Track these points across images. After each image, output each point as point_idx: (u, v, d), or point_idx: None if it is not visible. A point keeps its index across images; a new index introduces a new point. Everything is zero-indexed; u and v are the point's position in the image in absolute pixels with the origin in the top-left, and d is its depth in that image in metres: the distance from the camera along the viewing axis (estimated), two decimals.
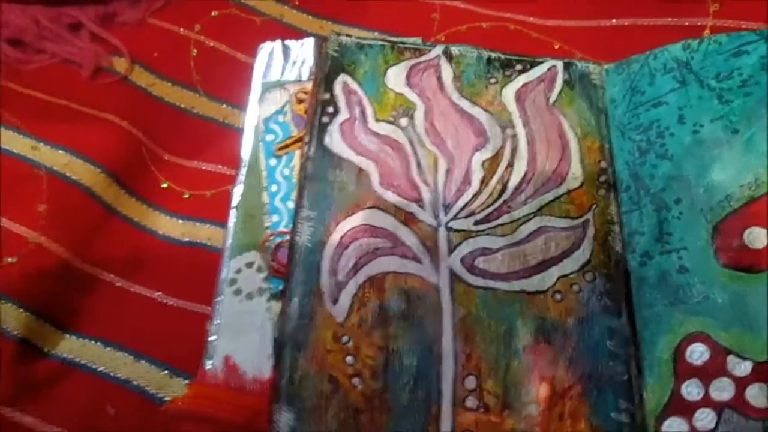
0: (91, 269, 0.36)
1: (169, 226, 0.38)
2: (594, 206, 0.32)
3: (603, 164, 0.34)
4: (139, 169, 0.40)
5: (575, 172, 0.33)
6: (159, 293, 0.36)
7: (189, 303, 0.35)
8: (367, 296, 0.30)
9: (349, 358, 0.29)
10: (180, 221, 0.38)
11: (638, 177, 0.33)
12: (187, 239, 0.38)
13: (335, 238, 0.31)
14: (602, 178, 0.33)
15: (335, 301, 0.30)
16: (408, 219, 0.32)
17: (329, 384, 0.29)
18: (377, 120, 0.34)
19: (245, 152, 0.35)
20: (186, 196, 0.39)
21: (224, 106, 0.43)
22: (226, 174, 0.40)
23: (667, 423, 0.28)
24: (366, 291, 0.30)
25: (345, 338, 0.29)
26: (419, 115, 0.34)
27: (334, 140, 0.33)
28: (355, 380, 0.29)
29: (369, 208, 0.32)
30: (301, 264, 0.30)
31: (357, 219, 0.31)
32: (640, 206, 0.32)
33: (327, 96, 0.34)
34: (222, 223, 0.36)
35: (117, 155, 0.39)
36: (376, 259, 0.31)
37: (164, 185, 0.40)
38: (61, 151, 0.38)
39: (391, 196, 0.32)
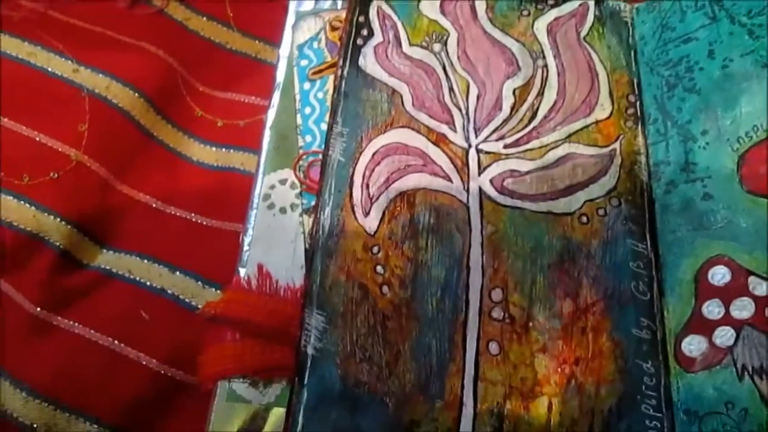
0: (128, 190, 0.37)
1: (203, 153, 0.39)
2: (621, 137, 0.33)
3: (631, 98, 0.34)
4: (175, 97, 0.41)
5: (604, 103, 0.34)
6: (193, 214, 0.37)
7: (223, 222, 0.36)
8: (398, 210, 0.31)
9: (378, 268, 0.30)
10: (213, 149, 0.40)
11: (665, 110, 0.33)
12: (220, 164, 0.39)
13: (368, 153, 0.32)
14: (630, 111, 0.34)
15: (366, 213, 0.31)
16: (439, 139, 0.32)
17: (359, 291, 0.29)
18: (411, 44, 0.34)
19: (279, 76, 0.36)
20: (219, 124, 0.40)
21: (257, 42, 0.44)
22: (259, 105, 0.41)
23: (687, 340, 0.29)
24: (397, 205, 0.31)
25: (375, 249, 0.30)
26: (452, 41, 0.34)
27: (368, 62, 0.34)
28: (384, 288, 0.30)
29: (401, 127, 0.32)
30: (333, 177, 0.31)
31: (389, 137, 0.32)
32: (666, 138, 0.33)
33: (362, 19, 0.35)
34: (255, 150, 0.36)
35: (154, 83, 0.40)
36: (407, 175, 0.32)
37: (198, 114, 0.41)
38: (101, 75, 0.39)
39: (423, 117, 0.33)
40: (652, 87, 0.34)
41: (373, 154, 0.32)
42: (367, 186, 0.31)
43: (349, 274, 0.30)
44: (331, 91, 0.34)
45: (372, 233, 0.30)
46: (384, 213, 0.31)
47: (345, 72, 0.33)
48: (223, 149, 0.39)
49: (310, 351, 0.29)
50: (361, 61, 0.34)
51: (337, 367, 0.28)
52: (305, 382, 0.28)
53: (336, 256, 0.30)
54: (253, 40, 0.44)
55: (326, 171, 0.31)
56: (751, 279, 0.29)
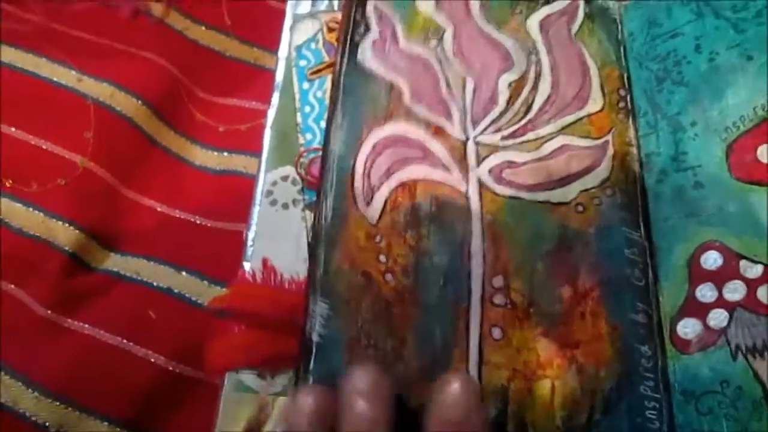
0: (134, 195, 0.38)
1: (205, 157, 0.40)
2: (613, 129, 0.34)
3: (621, 92, 0.35)
4: (177, 104, 0.42)
5: (595, 97, 0.35)
6: (198, 217, 0.37)
7: (227, 223, 0.37)
8: (399, 200, 0.32)
9: (381, 256, 0.31)
10: (215, 153, 0.40)
11: (655, 103, 0.34)
12: (222, 168, 0.40)
13: (368, 145, 0.33)
14: (621, 104, 0.35)
15: (368, 203, 0.32)
16: (438, 132, 0.33)
17: (362, 279, 0.30)
18: (408, 40, 0.35)
19: (279, 76, 0.37)
20: (221, 129, 0.41)
21: (255, 48, 0.45)
22: (259, 109, 0.42)
23: (682, 323, 0.30)
24: (398, 194, 0.32)
25: (377, 238, 0.31)
26: (448, 37, 0.36)
27: (366, 57, 0.35)
28: (388, 276, 0.30)
29: (400, 120, 0.33)
30: (334, 168, 0.32)
31: (389, 129, 0.33)
32: (657, 130, 0.34)
33: (359, 15, 0.36)
34: (256, 153, 0.37)
35: (156, 90, 0.41)
36: (407, 166, 0.32)
37: (200, 120, 0.42)
38: (104, 84, 0.40)
39: (421, 111, 0.34)
40: (641, 81, 0.35)
41: (374, 146, 0.33)
42: (369, 176, 0.32)
43: (353, 262, 0.31)
44: (329, 90, 0.35)
45: (374, 222, 0.31)
46: (385, 203, 0.32)
47: (343, 67, 0.34)
48: (225, 153, 0.40)
49: (315, 338, 0.29)
50: (359, 57, 0.35)
51: (342, 353, 0.29)
52: (310, 368, 0.29)
53: (339, 245, 0.31)
54: (252, 47, 0.45)
55: (327, 163, 0.32)
56: (743, 262, 0.30)
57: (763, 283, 0.29)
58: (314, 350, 0.29)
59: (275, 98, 0.36)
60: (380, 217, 0.31)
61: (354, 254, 0.31)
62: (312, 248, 0.31)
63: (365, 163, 0.32)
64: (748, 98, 0.33)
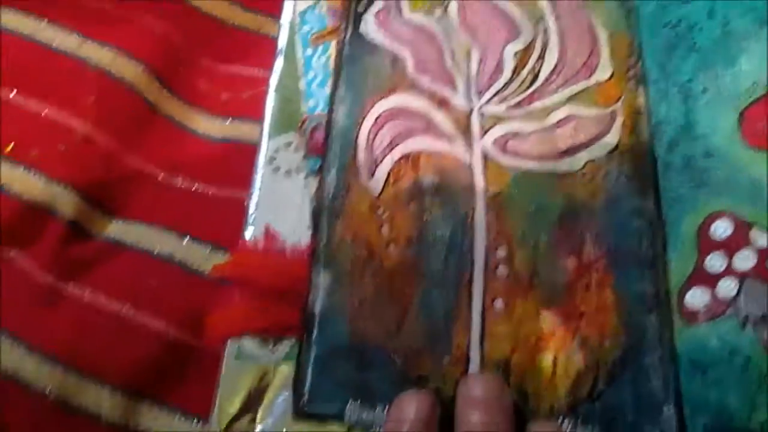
0: (136, 162, 0.37)
1: (208, 125, 0.40)
2: (622, 98, 0.33)
3: (632, 60, 0.34)
4: (179, 71, 0.41)
5: (604, 65, 0.34)
6: (200, 184, 0.37)
7: (230, 191, 0.36)
8: (402, 172, 0.31)
9: (384, 228, 0.30)
10: (218, 121, 0.40)
11: (666, 70, 0.34)
12: (225, 136, 0.39)
13: (371, 117, 0.32)
14: (631, 72, 0.34)
15: (371, 176, 0.31)
16: (442, 103, 0.33)
17: (365, 250, 0.30)
18: (411, 11, 0.35)
19: (281, 42, 0.36)
20: (224, 97, 0.41)
21: (259, 16, 0.44)
22: (262, 77, 0.40)
23: (690, 293, 0.29)
24: (401, 167, 0.31)
25: (380, 210, 0.31)
26: (452, 7, 0.35)
27: (370, 28, 0.34)
28: (390, 248, 0.30)
29: (403, 91, 0.33)
30: (337, 140, 0.32)
31: (392, 101, 0.32)
32: (668, 97, 0.33)
33: None
34: (259, 121, 0.37)
35: (158, 57, 0.40)
36: (411, 138, 0.32)
37: (203, 87, 0.41)
38: (106, 49, 0.39)
39: (425, 81, 0.33)
40: (652, 48, 0.34)
41: (377, 118, 0.32)
42: (372, 148, 0.32)
43: (356, 234, 0.30)
44: (333, 57, 0.34)
45: (377, 194, 0.31)
46: (388, 175, 0.31)
47: (347, 38, 0.34)
48: (228, 121, 0.40)
49: (317, 309, 0.29)
50: (362, 28, 0.34)
51: (345, 324, 0.29)
52: (313, 338, 0.29)
53: (342, 216, 0.30)
54: (255, 15, 0.44)
55: (330, 134, 0.32)
56: (753, 231, 0.29)
57: None
58: (317, 321, 0.29)
59: (278, 64, 0.36)
60: (383, 189, 0.31)
61: (357, 226, 0.30)
62: (315, 220, 0.31)
63: (368, 136, 0.32)
64: (761, 65, 0.32)
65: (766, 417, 0.26)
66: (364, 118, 0.32)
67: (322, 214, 0.30)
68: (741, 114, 0.31)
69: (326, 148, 0.32)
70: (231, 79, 0.41)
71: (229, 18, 0.44)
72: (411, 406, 0.26)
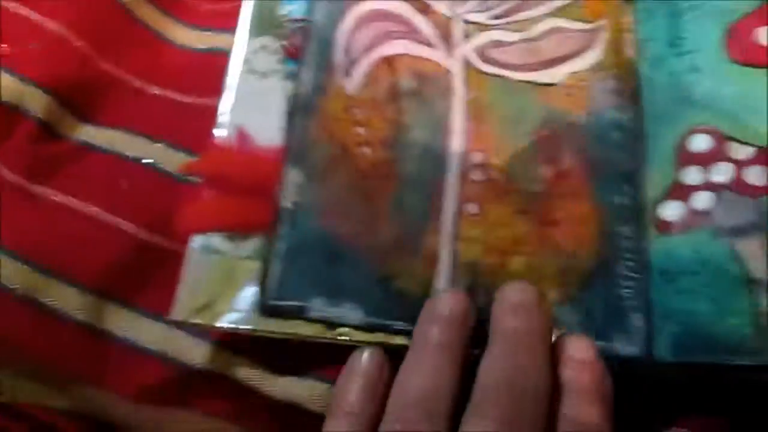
0: (110, 67, 0.36)
1: (186, 36, 0.39)
2: (609, 14, 0.33)
3: None
4: None
5: None
6: (177, 93, 0.36)
7: (207, 99, 0.35)
8: (380, 73, 0.31)
9: (358, 129, 0.30)
10: (198, 31, 0.39)
11: None
12: (204, 46, 0.38)
13: (351, 18, 0.31)
14: None
15: (347, 76, 0.30)
16: (424, 8, 0.32)
17: (339, 150, 0.29)
18: None
19: None
20: (204, 8, 0.40)
21: None
22: None
23: (666, 205, 0.29)
24: (379, 68, 0.31)
25: (356, 110, 0.30)
26: None
27: None
28: (365, 149, 0.29)
29: None
30: (315, 39, 0.31)
31: (373, 4, 0.32)
32: (654, 15, 0.32)
33: None
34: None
35: None
36: (390, 41, 0.31)
37: None
38: None
39: None
40: None
41: (356, 19, 0.31)
42: (350, 49, 0.31)
43: (329, 133, 0.30)
44: None
45: (353, 95, 0.30)
46: (366, 76, 0.31)
47: None
48: (208, 32, 0.39)
49: (287, 204, 0.28)
50: None
51: (315, 220, 0.28)
52: (282, 234, 0.28)
53: (316, 115, 0.30)
54: None
55: (309, 33, 0.31)
56: (733, 144, 0.29)
57: (752, 165, 0.28)
58: (287, 216, 0.28)
59: None
60: (360, 90, 0.30)
61: (331, 125, 0.30)
62: (289, 117, 0.30)
63: (347, 36, 0.31)
64: None
65: (736, 322, 0.26)
66: (343, 18, 0.31)
67: (295, 112, 0.30)
68: (727, 29, 0.30)
69: (303, 47, 0.31)
70: None
71: None
72: (445, 305, 0.25)
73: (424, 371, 0.24)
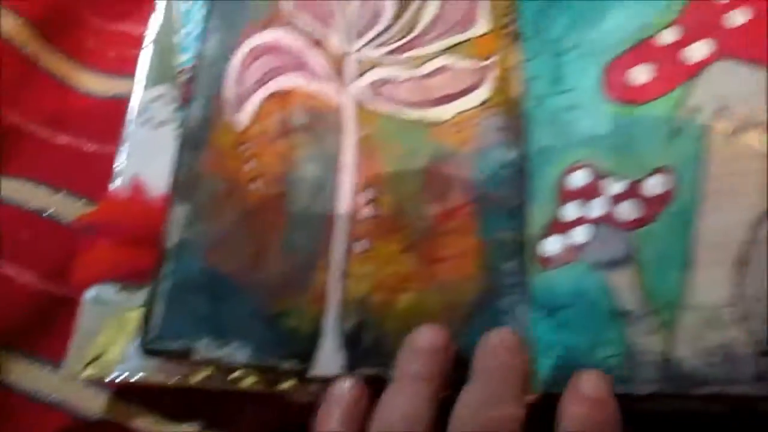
0: (17, 119, 0.36)
1: (92, 82, 0.39)
2: (498, 53, 0.34)
3: (510, 17, 0.35)
4: (65, 28, 0.40)
5: (482, 21, 0.34)
6: (82, 141, 0.36)
7: (110, 147, 0.35)
8: (272, 108, 0.31)
9: (248, 164, 0.30)
10: (104, 78, 0.39)
11: (540, 27, 0.34)
12: (111, 94, 0.38)
13: (243, 51, 0.32)
14: (508, 29, 0.35)
15: (238, 110, 0.31)
16: (318, 42, 0.33)
17: (225, 185, 0.30)
18: None
19: None
20: (111, 55, 0.40)
21: None
22: None
23: (545, 241, 0.30)
24: (270, 104, 0.31)
25: (246, 145, 0.30)
26: None
27: None
28: (253, 184, 0.30)
29: (280, 27, 0.32)
30: (205, 72, 0.31)
31: (267, 36, 0.32)
32: (540, 54, 0.34)
33: None
34: None
35: (41, 12, 0.39)
36: (282, 75, 0.32)
37: (90, 45, 0.40)
38: None
39: (303, 19, 0.33)
40: (529, 7, 0.35)
41: (249, 52, 0.32)
42: (241, 83, 0.31)
43: (218, 168, 0.30)
44: None
45: (243, 130, 0.30)
46: (257, 111, 0.31)
47: None
48: (114, 78, 0.39)
49: (172, 242, 0.28)
50: None
51: (201, 258, 0.28)
52: (165, 273, 0.28)
53: (204, 150, 0.30)
54: None
55: (199, 66, 0.31)
56: (608, 180, 0.30)
57: (625, 199, 0.30)
58: (171, 255, 0.28)
59: (156, 17, 0.35)
60: (250, 124, 0.31)
61: (219, 160, 0.30)
62: (177, 152, 0.30)
63: (238, 69, 0.31)
64: (626, 21, 0.33)
65: (608, 353, 0.27)
66: (235, 52, 0.32)
67: (183, 148, 0.30)
68: (604, 68, 0.32)
69: (194, 82, 0.31)
70: (120, 37, 0.40)
71: None
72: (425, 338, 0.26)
73: (405, 399, 0.25)
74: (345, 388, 0.26)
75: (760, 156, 0.28)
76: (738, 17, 0.31)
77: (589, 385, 0.26)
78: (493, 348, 0.26)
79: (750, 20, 0.30)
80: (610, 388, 0.25)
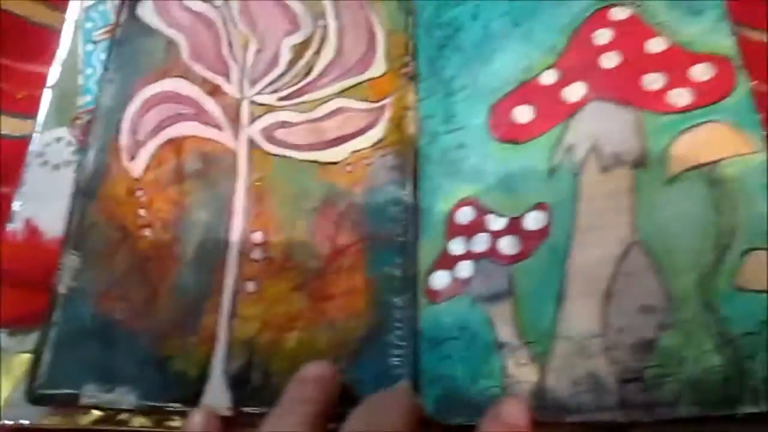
0: None
1: (4, 123, 0.39)
2: (393, 93, 0.35)
3: (406, 58, 0.36)
4: None
5: (379, 62, 0.36)
6: None
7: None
8: (166, 155, 0.32)
9: (141, 211, 0.31)
10: (14, 119, 0.39)
11: (435, 68, 0.36)
12: (20, 134, 0.39)
13: (139, 100, 0.33)
14: (404, 70, 0.36)
15: (133, 158, 0.32)
16: (213, 90, 0.34)
17: (118, 233, 0.30)
18: None
19: (66, 38, 0.36)
20: (19, 96, 0.40)
21: (59, 12, 0.44)
22: None
23: (433, 275, 0.31)
24: (165, 151, 0.32)
25: (139, 193, 0.31)
26: None
27: (147, 11, 0.35)
28: (146, 231, 0.30)
29: (176, 77, 0.34)
30: (101, 121, 0.32)
31: (163, 85, 0.33)
32: (434, 93, 0.35)
33: None
34: None
35: None
36: (178, 123, 0.33)
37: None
38: None
39: (199, 69, 0.34)
40: (426, 47, 0.37)
41: (144, 101, 0.33)
42: (136, 131, 0.32)
43: (110, 216, 0.31)
44: None
45: (137, 177, 0.31)
46: (151, 158, 0.32)
47: (121, 20, 0.34)
48: (24, 119, 0.39)
49: (62, 290, 0.29)
50: (139, 11, 0.35)
51: (91, 305, 0.29)
52: (55, 320, 0.29)
53: (97, 198, 0.31)
54: (60, 12, 0.44)
55: (95, 115, 0.32)
56: (491, 216, 0.31)
57: (505, 235, 0.31)
58: (60, 301, 0.29)
59: (58, 60, 0.36)
60: (144, 172, 0.32)
61: (112, 208, 0.31)
62: (71, 201, 0.31)
63: (133, 119, 0.32)
64: (511, 63, 0.34)
65: (489, 384, 0.28)
66: (131, 101, 0.33)
67: (76, 196, 0.31)
68: (490, 108, 0.33)
69: (89, 130, 0.32)
70: (29, 77, 0.41)
71: (33, 15, 0.43)
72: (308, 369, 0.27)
73: (287, 420, 0.25)
74: (196, 422, 0.27)
75: (628, 192, 0.29)
76: (610, 60, 0.32)
77: (509, 411, 0.26)
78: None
79: (621, 63, 0.32)
80: (528, 418, 0.26)
